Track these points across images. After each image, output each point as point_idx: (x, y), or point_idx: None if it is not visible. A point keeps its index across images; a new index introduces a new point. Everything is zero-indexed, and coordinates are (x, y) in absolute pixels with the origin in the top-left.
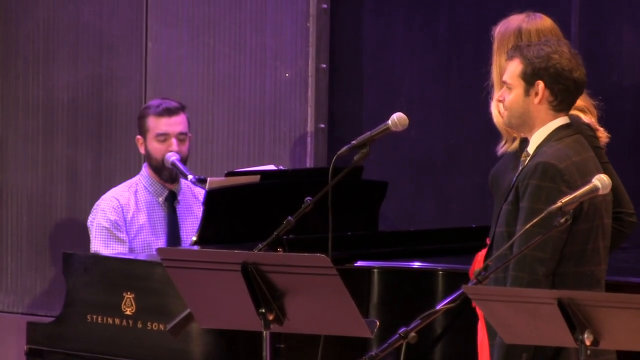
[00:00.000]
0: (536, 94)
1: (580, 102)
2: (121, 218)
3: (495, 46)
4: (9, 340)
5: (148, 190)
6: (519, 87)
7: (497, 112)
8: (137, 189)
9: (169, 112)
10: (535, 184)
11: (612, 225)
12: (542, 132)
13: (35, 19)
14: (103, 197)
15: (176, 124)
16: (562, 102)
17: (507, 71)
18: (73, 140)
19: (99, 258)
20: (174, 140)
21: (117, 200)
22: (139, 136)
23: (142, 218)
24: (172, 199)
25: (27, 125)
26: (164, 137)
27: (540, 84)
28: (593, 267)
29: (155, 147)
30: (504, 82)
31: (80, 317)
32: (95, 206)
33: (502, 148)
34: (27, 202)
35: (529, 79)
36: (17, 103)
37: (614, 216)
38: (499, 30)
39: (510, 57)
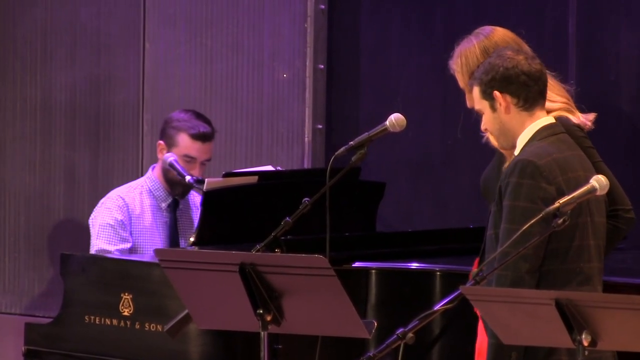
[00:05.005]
0: (500, 104)
1: (560, 99)
2: (127, 217)
3: (466, 82)
4: (6, 341)
5: (153, 195)
6: (485, 107)
7: (493, 139)
8: (142, 191)
9: (204, 138)
10: (515, 181)
11: (609, 222)
12: (526, 134)
13: (32, 19)
14: (109, 195)
15: (207, 151)
16: (527, 98)
17: (475, 100)
18: (71, 140)
19: (97, 259)
20: (198, 165)
21: (123, 199)
22: (161, 142)
23: (144, 221)
24: (175, 206)
25: (25, 126)
26: (191, 159)
27: (497, 94)
28: (582, 264)
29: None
30: (477, 111)
31: (78, 318)
32: (99, 204)
33: None
34: (25, 203)
35: (486, 95)
36: (14, 104)
37: (611, 214)
38: (463, 63)
39: (470, 87)
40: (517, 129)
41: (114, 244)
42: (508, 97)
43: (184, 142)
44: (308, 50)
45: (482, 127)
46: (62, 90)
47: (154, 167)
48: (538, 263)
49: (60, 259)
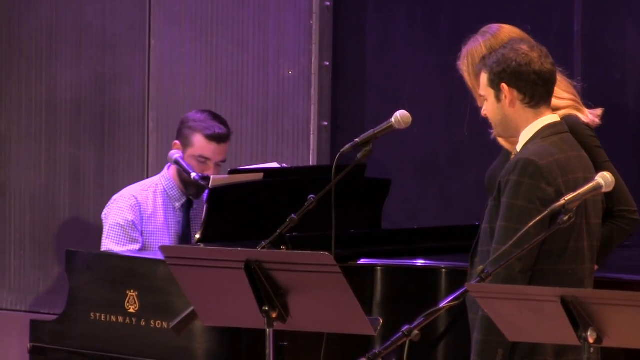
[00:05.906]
0: (505, 97)
1: (567, 95)
2: (138, 217)
3: (474, 82)
4: (12, 338)
5: (167, 194)
6: (490, 95)
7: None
8: (156, 190)
9: (219, 139)
10: (515, 179)
11: (617, 224)
12: (529, 131)
13: (38, 18)
14: (122, 193)
15: (221, 152)
16: (533, 97)
17: (480, 84)
18: (76, 138)
19: (102, 256)
20: (212, 165)
21: (136, 198)
22: (177, 141)
23: (156, 221)
24: (188, 206)
25: (31, 124)
26: (205, 160)
27: (504, 87)
28: (575, 265)
29: (192, 164)
30: (481, 95)
31: (83, 315)
32: (112, 200)
33: None
34: (31, 201)
35: (494, 85)
36: (20, 102)
37: (616, 214)
38: (470, 63)
39: (479, 71)
40: (520, 124)
41: (123, 245)
42: (515, 93)
43: (199, 142)
44: (313, 48)
45: (483, 112)
46: (68, 89)
47: (169, 166)
48: (531, 263)
49: (65, 256)
